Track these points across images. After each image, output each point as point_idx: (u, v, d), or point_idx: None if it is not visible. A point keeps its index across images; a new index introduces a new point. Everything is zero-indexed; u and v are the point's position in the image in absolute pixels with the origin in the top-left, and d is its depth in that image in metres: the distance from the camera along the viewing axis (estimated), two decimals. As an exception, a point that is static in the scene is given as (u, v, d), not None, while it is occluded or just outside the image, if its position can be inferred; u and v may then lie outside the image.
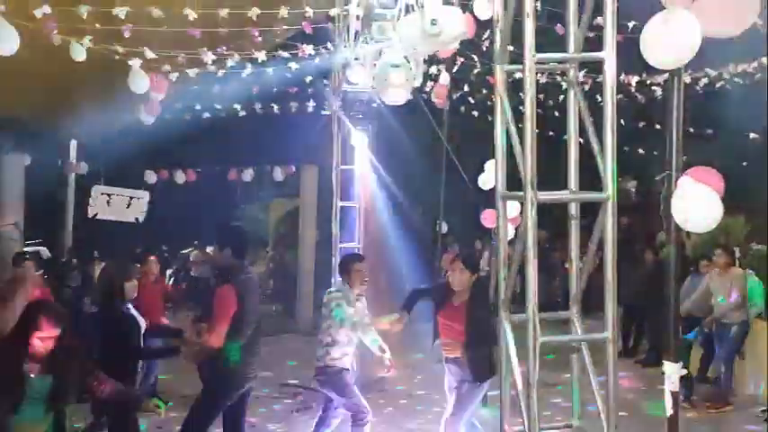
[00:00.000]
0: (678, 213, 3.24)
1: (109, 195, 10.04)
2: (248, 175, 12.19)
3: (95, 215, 9.76)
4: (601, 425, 3.04)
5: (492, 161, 7.55)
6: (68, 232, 11.31)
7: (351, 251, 7.97)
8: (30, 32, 5.69)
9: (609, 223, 2.84)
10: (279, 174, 12.12)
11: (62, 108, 8.21)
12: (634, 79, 7.99)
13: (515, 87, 3.12)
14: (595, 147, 2.80)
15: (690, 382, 7.08)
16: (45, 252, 10.14)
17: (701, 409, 7.22)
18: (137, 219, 10.10)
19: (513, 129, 2.89)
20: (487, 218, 7.49)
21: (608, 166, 2.80)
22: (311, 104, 9.51)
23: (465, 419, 5.06)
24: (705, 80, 7.84)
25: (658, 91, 8.20)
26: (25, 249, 9.52)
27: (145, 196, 10.50)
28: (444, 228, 11.68)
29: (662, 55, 3.14)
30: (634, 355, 9.47)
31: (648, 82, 8.09)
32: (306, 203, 12.23)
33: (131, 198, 10.14)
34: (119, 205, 10.01)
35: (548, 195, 2.84)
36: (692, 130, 8.00)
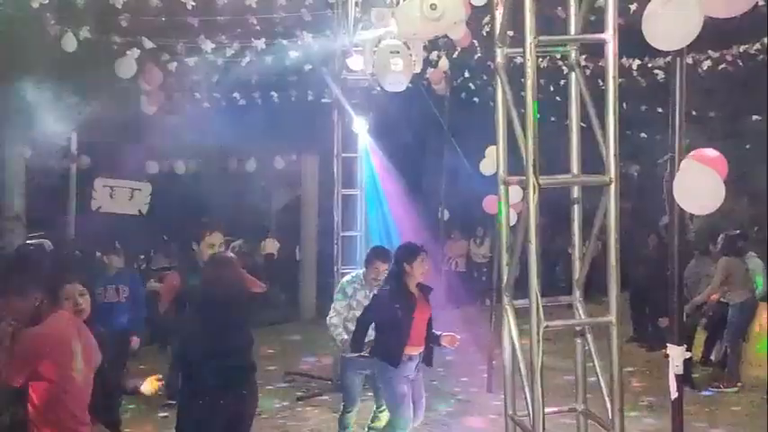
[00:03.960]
0: (680, 196, 3.23)
1: (111, 188, 10.02)
2: (249, 164, 12.19)
3: (99, 208, 9.74)
4: (605, 408, 3.04)
5: (493, 147, 7.54)
6: (70, 224, 11.32)
7: (353, 239, 7.99)
8: (28, 23, 5.67)
9: (612, 207, 2.83)
10: (280, 163, 12.12)
11: (62, 99, 8.19)
12: (635, 63, 7.93)
13: (516, 73, 3.10)
14: (597, 130, 2.78)
15: (690, 364, 7.11)
16: (48, 244, 10.15)
17: (703, 391, 7.25)
18: (140, 211, 10.07)
19: (514, 112, 2.87)
20: (489, 204, 7.47)
21: (610, 150, 2.78)
22: (311, 93, 9.46)
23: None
24: (708, 62, 7.77)
25: (660, 74, 8.13)
26: (28, 242, 9.55)
27: (147, 188, 10.48)
28: (446, 215, 11.66)
29: (664, 36, 3.11)
30: (638, 339, 9.49)
31: (650, 65, 8.03)
32: (307, 192, 12.23)
33: (133, 190, 10.11)
34: (121, 198, 9.99)
35: (549, 179, 2.82)
36: (694, 113, 7.95)
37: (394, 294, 4.84)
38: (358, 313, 5.14)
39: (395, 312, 4.79)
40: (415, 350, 4.90)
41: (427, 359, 5.01)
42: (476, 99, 10.13)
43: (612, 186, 2.79)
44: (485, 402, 6.99)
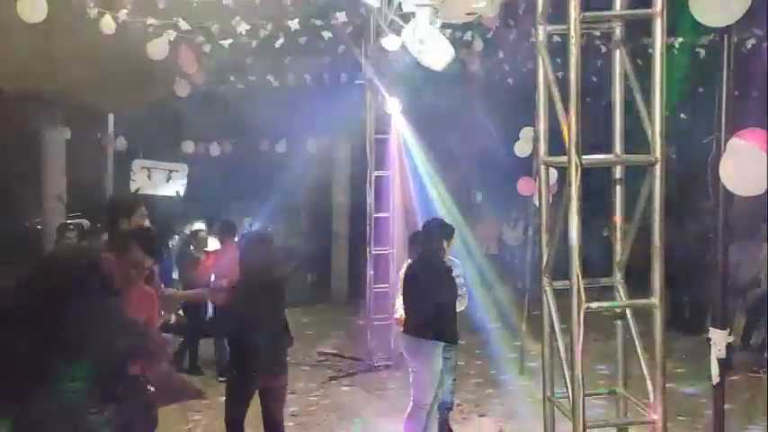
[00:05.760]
0: (727, 176, 3.15)
1: (149, 169, 10.15)
2: (282, 146, 12.22)
3: (137, 190, 9.90)
4: (645, 391, 3.00)
5: (527, 128, 7.46)
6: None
7: (385, 220, 7.99)
8: (66, 5, 5.74)
9: (657, 187, 2.76)
10: (312, 144, 12.12)
11: (100, 82, 8.31)
12: (678, 41, 7.71)
13: (554, 53, 3.03)
14: (643, 109, 2.72)
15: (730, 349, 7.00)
16: (86, 224, 10.36)
17: (743, 375, 7.14)
18: (177, 192, 10.21)
19: (555, 91, 2.81)
20: (523, 186, 7.40)
21: (656, 129, 2.71)
22: (344, 74, 9.42)
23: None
24: (752, 41, 7.50)
25: (702, 53, 7.89)
26: (68, 221, 9.74)
27: (184, 169, 10.60)
28: (479, 197, 11.61)
29: (712, 11, 3.02)
30: (674, 324, 9.36)
31: (692, 43, 7.80)
32: (339, 173, 12.24)
33: (170, 171, 10.24)
34: (159, 179, 10.13)
35: (592, 159, 2.77)
36: (736, 92, 7.70)
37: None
38: None
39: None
40: None
41: None
42: (510, 80, 9.97)
43: (658, 166, 2.73)
44: (517, 384, 6.99)
